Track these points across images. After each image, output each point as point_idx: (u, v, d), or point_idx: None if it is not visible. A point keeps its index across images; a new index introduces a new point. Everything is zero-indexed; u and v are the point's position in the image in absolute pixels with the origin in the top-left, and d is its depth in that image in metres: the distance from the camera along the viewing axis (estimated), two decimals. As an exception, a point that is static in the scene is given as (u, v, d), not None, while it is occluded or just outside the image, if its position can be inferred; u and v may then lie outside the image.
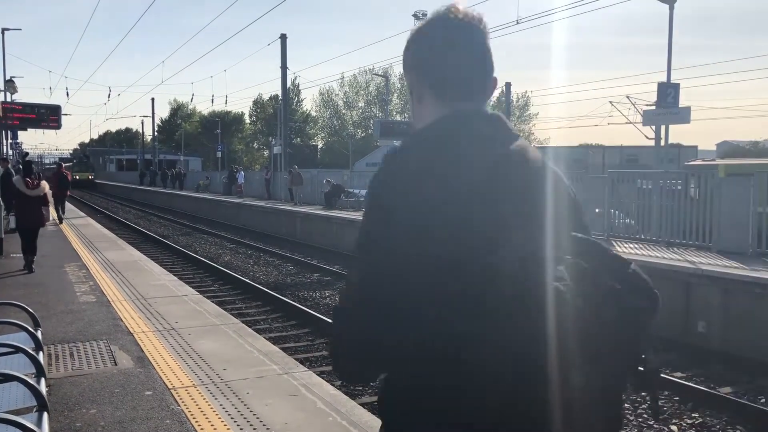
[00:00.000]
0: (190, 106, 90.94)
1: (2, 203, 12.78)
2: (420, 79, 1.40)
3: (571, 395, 1.09)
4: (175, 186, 49.10)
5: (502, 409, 1.13)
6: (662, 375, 7.88)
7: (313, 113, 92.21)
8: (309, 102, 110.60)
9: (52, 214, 12.18)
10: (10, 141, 27.37)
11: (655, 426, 6.50)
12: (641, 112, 23.84)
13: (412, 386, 1.21)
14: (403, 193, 1.22)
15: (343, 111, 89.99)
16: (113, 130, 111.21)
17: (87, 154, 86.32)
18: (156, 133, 73.83)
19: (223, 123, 73.79)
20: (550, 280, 1.12)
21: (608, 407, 1.20)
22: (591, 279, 1.16)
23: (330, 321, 1.52)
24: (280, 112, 41.88)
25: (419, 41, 1.40)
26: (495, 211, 1.20)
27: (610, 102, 28.84)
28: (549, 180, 1.31)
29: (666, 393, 7.34)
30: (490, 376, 1.11)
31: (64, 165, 23.89)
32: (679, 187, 12.83)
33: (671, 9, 20.53)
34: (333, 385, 5.83)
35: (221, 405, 4.48)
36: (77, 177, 66.18)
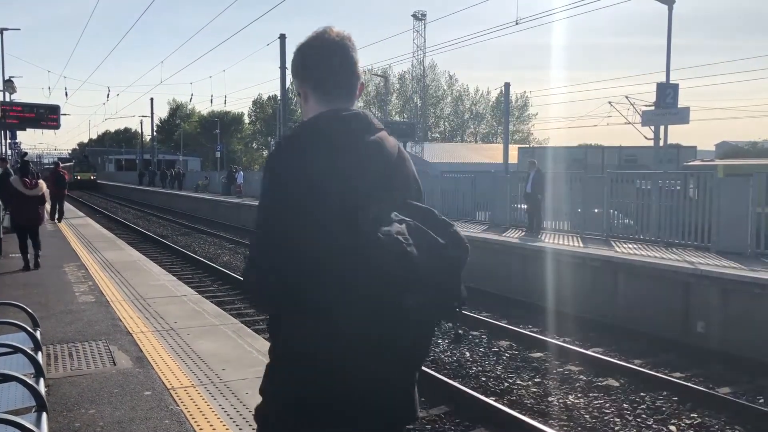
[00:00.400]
0: (189, 106, 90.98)
1: (1, 203, 12.77)
2: (303, 84, 1.84)
3: (404, 314, 1.55)
4: (174, 186, 49.08)
5: (364, 308, 1.55)
6: (656, 373, 7.90)
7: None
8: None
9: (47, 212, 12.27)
10: (9, 141, 27.35)
11: (653, 426, 6.51)
12: (640, 113, 23.86)
13: (301, 300, 1.63)
14: (291, 167, 1.65)
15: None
16: (112, 130, 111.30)
17: (86, 154, 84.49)
18: (155, 133, 73.67)
19: (222, 123, 73.71)
20: (394, 233, 1.55)
21: (428, 328, 1.70)
22: (423, 235, 1.58)
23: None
24: (279, 112, 41.89)
25: (302, 54, 1.83)
26: (359, 182, 1.64)
27: (609, 102, 28.90)
28: (398, 162, 1.79)
29: (665, 393, 7.35)
30: (359, 285, 1.55)
31: (61, 165, 23.81)
32: (678, 188, 12.84)
33: (670, 9, 20.54)
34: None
35: (220, 405, 4.48)
36: (78, 177, 64.52)
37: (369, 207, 1.62)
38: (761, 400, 7.33)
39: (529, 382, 7.78)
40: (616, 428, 6.46)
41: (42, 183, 11.14)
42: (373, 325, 1.58)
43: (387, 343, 1.61)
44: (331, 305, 1.60)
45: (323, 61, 1.80)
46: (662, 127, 21.80)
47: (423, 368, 7.55)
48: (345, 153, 1.67)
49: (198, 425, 4.13)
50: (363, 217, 1.60)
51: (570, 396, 7.31)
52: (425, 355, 1.80)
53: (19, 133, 28.13)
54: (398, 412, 1.75)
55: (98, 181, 70.12)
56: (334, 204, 1.61)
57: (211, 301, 8.84)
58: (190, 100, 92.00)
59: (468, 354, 8.95)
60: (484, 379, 7.90)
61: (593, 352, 8.98)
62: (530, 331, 10.11)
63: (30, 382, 3.35)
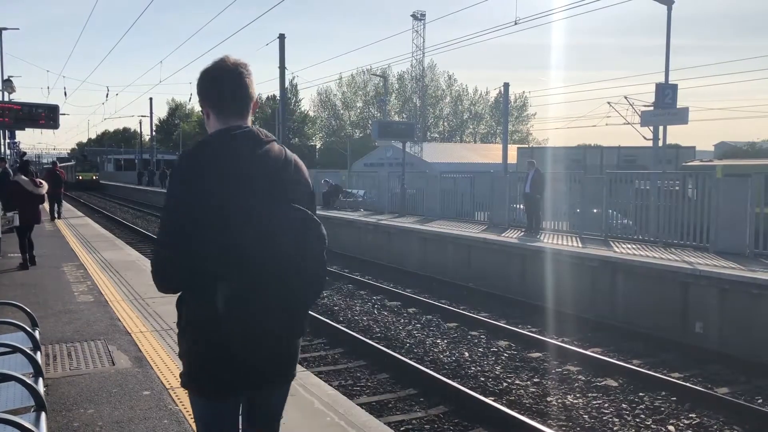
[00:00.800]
0: (189, 106, 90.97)
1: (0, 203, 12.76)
2: (205, 105, 2.26)
3: (283, 281, 2.06)
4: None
5: (253, 271, 2.02)
6: (655, 374, 7.91)
7: (311, 113, 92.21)
8: (307, 102, 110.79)
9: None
10: (7, 141, 27.31)
11: (652, 426, 6.52)
12: (639, 113, 23.85)
13: (202, 272, 2.07)
14: (190, 175, 2.09)
15: (341, 111, 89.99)
16: (111, 129, 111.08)
17: (85, 153, 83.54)
18: (154, 133, 73.61)
19: (222, 123, 73.63)
20: (275, 226, 2.04)
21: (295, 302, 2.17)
22: (299, 228, 2.08)
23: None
24: (278, 112, 41.87)
25: (203, 78, 2.23)
26: (249, 185, 2.08)
27: (608, 103, 28.83)
28: (283, 168, 2.19)
29: (663, 393, 7.35)
30: (250, 263, 2.02)
31: (59, 164, 23.81)
32: (677, 188, 12.85)
33: (669, 10, 20.55)
34: (331, 385, 5.84)
35: (219, 405, 4.48)
36: (80, 177, 63.42)
37: (250, 204, 2.06)
38: (759, 400, 7.34)
39: (528, 382, 7.79)
40: (615, 428, 6.46)
41: (44, 182, 11.20)
42: (254, 298, 2.06)
43: (269, 310, 2.09)
44: (221, 286, 2.05)
45: (220, 86, 2.21)
46: (661, 128, 21.81)
47: (421, 368, 7.56)
48: (232, 163, 2.10)
49: (197, 425, 4.13)
50: (246, 213, 2.05)
51: (569, 396, 7.32)
52: (300, 322, 2.23)
53: (17, 132, 28.08)
54: (278, 368, 2.28)
55: (104, 182, 68.76)
56: (222, 202, 2.05)
57: (210, 301, 8.83)
58: (189, 100, 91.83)
59: (467, 354, 8.96)
60: (482, 379, 7.90)
61: (592, 352, 8.99)
62: (529, 331, 10.11)
63: (29, 381, 3.35)
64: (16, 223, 11.24)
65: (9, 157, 25.04)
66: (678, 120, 20.71)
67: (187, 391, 2.29)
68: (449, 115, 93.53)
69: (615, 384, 7.71)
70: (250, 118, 2.26)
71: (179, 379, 2.30)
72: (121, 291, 8.67)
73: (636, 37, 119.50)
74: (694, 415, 6.76)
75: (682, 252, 11.69)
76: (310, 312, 2.38)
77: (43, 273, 10.20)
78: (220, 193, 2.05)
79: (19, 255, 10.90)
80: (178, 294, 2.25)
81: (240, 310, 2.05)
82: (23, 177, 11.00)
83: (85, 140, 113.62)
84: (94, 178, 66.20)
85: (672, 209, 12.63)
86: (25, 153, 28.68)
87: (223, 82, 2.20)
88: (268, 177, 2.14)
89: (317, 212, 2.25)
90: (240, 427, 2.37)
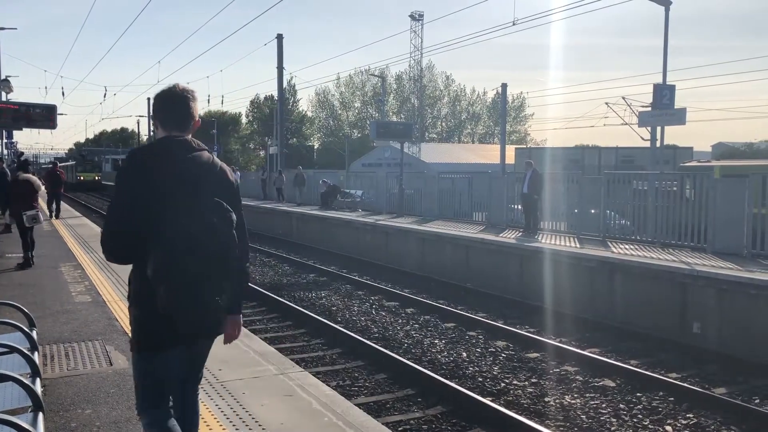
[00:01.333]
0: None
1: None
2: (155, 119, 2.90)
3: (200, 254, 2.62)
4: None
5: (177, 246, 2.58)
6: (652, 374, 7.92)
7: (310, 113, 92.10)
8: (305, 102, 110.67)
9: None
10: (5, 140, 27.26)
11: (650, 426, 6.52)
12: (637, 114, 23.88)
13: (142, 247, 2.64)
14: (138, 167, 2.72)
15: (340, 111, 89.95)
16: (109, 129, 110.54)
17: (83, 153, 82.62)
18: (152, 133, 73.49)
19: (220, 123, 73.49)
20: (195, 212, 2.64)
21: (215, 268, 2.69)
22: (213, 214, 2.68)
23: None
24: (276, 112, 41.85)
25: (157, 99, 2.86)
26: (179, 180, 2.67)
27: (606, 103, 28.85)
28: (208, 170, 2.80)
29: (661, 393, 7.36)
30: (172, 254, 2.58)
31: (59, 164, 23.79)
32: (675, 188, 12.86)
33: (667, 10, 20.59)
34: (329, 385, 5.84)
35: (217, 405, 4.48)
36: (81, 178, 61.67)
37: (181, 200, 2.66)
38: (757, 400, 7.35)
39: (526, 383, 7.79)
40: (613, 428, 6.47)
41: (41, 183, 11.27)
42: (182, 270, 2.60)
43: (196, 277, 2.64)
44: (155, 261, 2.62)
45: (169, 106, 2.86)
46: (659, 128, 21.84)
47: (419, 369, 7.55)
48: (166, 165, 2.72)
49: (194, 425, 4.13)
50: (177, 207, 2.64)
51: (566, 396, 7.32)
52: (218, 287, 2.73)
53: (15, 132, 28.04)
54: (210, 322, 2.80)
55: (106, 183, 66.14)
56: (155, 198, 2.64)
57: (208, 301, 8.82)
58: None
59: (465, 354, 8.96)
60: (480, 379, 7.91)
61: (590, 352, 9.00)
62: (527, 332, 10.12)
63: (26, 382, 3.34)
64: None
65: (6, 156, 25.00)
66: (676, 120, 20.74)
67: (132, 352, 2.90)
68: (447, 116, 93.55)
69: (613, 384, 7.72)
70: (190, 133, 2.88)
71: (135, 351, 2.88)
72: (118, 291, 8.65)
73: (634, 38, 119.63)
74: (691, 416, 6.77)
75: (679, 252, 11.71)
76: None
77: (40, 273, 10.18)
78: (156, 185, 2.67)
79: (17, 255, 10.87)
80: (138, 278, 2.77)
81: (168, 279, 2.60)
82: (32, 176, 11.04)
83: (82, 140, 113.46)
84: (96, 178, 63.81)
85: (670, 210, 12.64)
86: (22, 153, 28.62)
87: (171, 103, 2.86)
88: (193, 175, 2.74)
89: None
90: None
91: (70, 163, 69.41)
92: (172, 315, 2.64)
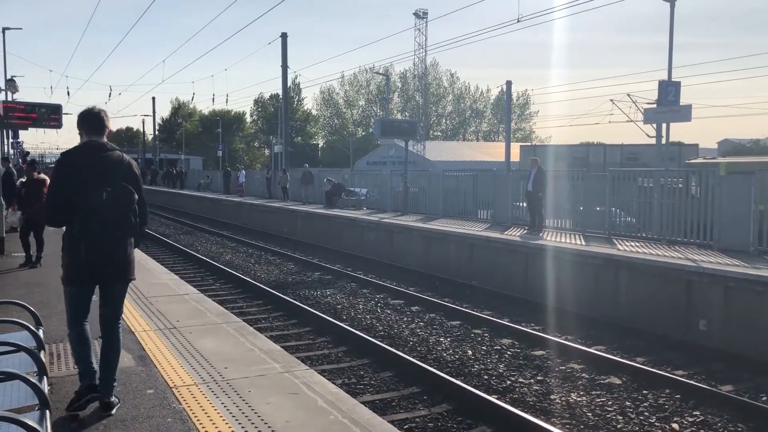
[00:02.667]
0: (191, 105, 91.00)
1: (3, 202, 12.78)
2: (80, 129, 4.33)
3: (109, 221, 4.14)
4: (176, 185, 49.12)
5: (93, 215, 4.08)
6: (659, 371, 7.89)
7: (314, 112, 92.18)
8: (310, 101, 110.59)
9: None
10: (11, 140, 27.35)
11: (656, 424, 6.51)
12: (642, 111, 23.81)
13: (67, 222, 4.19)
14: (66, 165, 4.18)
15: (344, 110, 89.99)
16: (114, 129, 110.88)
17: None
18: (157, 133, 73.63)
19: (224, 122, 73.63)
20: (107, 192, 4.08)
21: (119, 232, 4.24)
22: (119, 193, 4.13)
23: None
24: (280, 111, 41.87)
25: (82, 115, 4.29)
26: (91, 173, 4.10)
27: (611, 100, 28.81)
28: (117, 164, 4.21)
29: (667, 391, 7.35)
30: (89, 220, 4.08)
31: None
32: (680, 186, 12.82)
33: (672, 7, 20.51)
34: (334, 383, 5.84)
35: (223, 403, 4.48)
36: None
37: (95, 183, 4.04)
38: (764, 398, 7.33)
39: (532, 380, 7.78)
40: (619, 426, 6.46)
41: None
42: (94, 231, 4.08)
43: (104, 236, 4.12)
44: (78, 224, 4.09)
45: (90, 121, 4.30)
46: (664, 125, 21.77)
47: (425, 367, 7.55)
48: (86, 159, 4.14)
49: (201, 423, 4.14)
50: (91, 188, 4.03)
51: (572, 394, 7.31)
52: (125, 246, 4.31)
53: (21, 132, 28.14)
54: (118, 269, 4.32)
55: None
56: (78, 182, 4.05)
57: (214, 300, 8.85)
58: (192, 99, 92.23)
59: (470, 352, 8.95)
60: (486, 377, 7.90)
61: (595, 350, 8.98)
62: (532, 329, 10.11)
63: (33, 380, 3.34)
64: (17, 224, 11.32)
65: (12, 156, 25.08)
66: (681, 117, 20.67)
67: (63, 285, 4.36)
68: (452, 113, 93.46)
69: (619, 382, 7.70)
70: (105, 138, 4.32)
71: (65, 285, 4.40)
72: (124, 290, 8.67)
73: (639, 35, 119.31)
74: (698, 413, 6.75)
75: (685, 250, 11.67)
76: (142, 245, 4.71)
77: (46, 272, 10.21)
78: (79, 173, 4.09)
79: (23, 254, 10.91)
80: (68, 236, 4.22)
81: (86, 236, 4.11)
82: (44, 175, 11.12)
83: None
84: None
85: (675, 207, 12.60)
86: (28, 152, 28.73)
87: (92, 118, 4.31)
88: (105, 167, 4.15)
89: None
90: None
91: None
92: (89, 262, 4.14)
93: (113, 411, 4.30)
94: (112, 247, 4.17)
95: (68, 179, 4.07)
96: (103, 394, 4.25)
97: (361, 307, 11.85)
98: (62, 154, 4.23)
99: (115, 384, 4.40)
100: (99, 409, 4.27)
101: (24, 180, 12.51)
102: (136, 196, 4.19)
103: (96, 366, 4.32)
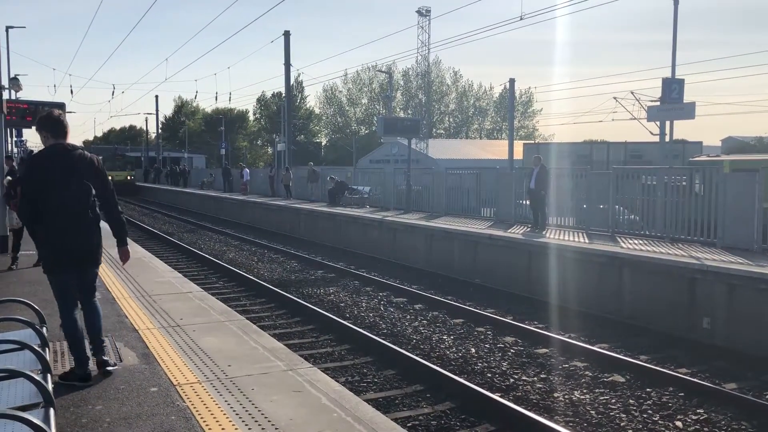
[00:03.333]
0: (194, 104, 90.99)
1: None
2: (42, 132, 4.83)
3: (74, 215, 4.75)
4: (180, 183, 49.15)
5: (60, 210, 4.68)
6: (662, 369, 7.88)
7: (317, 110, 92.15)
8: (313, 99, 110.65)
9: None
10: (14, 139, 27.40)
11: (659, 422, 6.50)
12: (645, 108, 23.78)
13: (38, 218, 4.72)
14: (37, 163, 4.79)
15: (347, 108, 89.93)
16: (117, 127, 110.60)
17: (116, 146, 75.63)
18: (160, 131, 73.55)
19: (227, 120, 73.64)
20: (71, 188, 4.69)
21: (82, 222, 4.80)
22: (82, 189, 4.79)
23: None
24: (283, 109, 41.88)
25: (45, 118, 4.84)
26: (60, 172, 4.67)
27: (615, 98, 28.73)
28: (80, 163, 4.75)
29: (671, 389, 7.33)
30: (57, 214, 4.67)
31: None
32: (684, 183, 12.79)
33: (676, 4, 20.46)
34: (338, 381, 5.85)
35: (226, 401, 4.49)
36: (110, 178, 54.25)
37: (62, 181, 4.62)
38: (767, 396, 7.31)
39: (535, 378, 7.78)
40: (622, 424, 6.45)
41: None
42: (63, 224, 4.66)
43: (70, 228, 4.69)
44: (47, 220, 4.64)
45: (52, 124, 4.78)
46: (668, 123, 21.74)
47: (428, 365, 7.55)
48: (52, 160, 4.66)
49: (204, 421, 4.14)
50: (59, 185, 4.62)
51: (576, 392, 7.30)
52: (90, 235, 4.83)
53: (24, 130, 28.19)
54: (87, 255, 4.89)
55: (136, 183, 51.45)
56: (49, 180, 4.62)
57: (217, 298, 8.86)
58: (195, 98, 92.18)
59: (473, 350, 8.95)
60: (489, 375, 7.90)
61: (599, 347, 8.97)
62: (535, 327, 10.10)
63: (37, 378, 3.35)
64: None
65: (17, 155, 25.12)
66: (685, 115, 20.64)
67: (48, 276, 4.84)
68: (454, 111, 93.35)
69: (622, 380, 7.69)
70: (67, 139, 4.81)
71: (51, 274, 4.83)
72: (128, 288, 8.69)
73: (643, 32, 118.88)
74: (701, 411, 6.74)
75: (689, 247, 11.64)
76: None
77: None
78: (47, 173, 4.63)
79: (28, 252, 10.92)
80: (44, 229, 4.72)
81: (55, 229, 4.64)
82: None
83: (91, 138, 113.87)
84: (129, 178, 51.91)
85: (679, 205, 12.57)
86: (32, 151, 28.76)
87: (57, 123, 4.81)
88: (69, 165, 4.67)
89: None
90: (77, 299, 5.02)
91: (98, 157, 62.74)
92: (66, 249, 4.68)
93: (111, 368, 5.03)
94: (82, 235, 4.73)
95: (39, 178, 4.63)
96: (95, 353, 5.00)
97: (364, 305, 11.85)
98: (32, 156, 4.91)
99: (104, 345, 5.15)
100: (98, 374, 4.96)
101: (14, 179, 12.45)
102: (94, 191, 4.77)
103: (89, 353, 4.96)
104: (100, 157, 5.10)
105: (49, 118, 4.77)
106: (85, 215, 4.71)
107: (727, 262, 9.94)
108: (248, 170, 39.22)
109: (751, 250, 10.99)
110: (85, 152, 4.81)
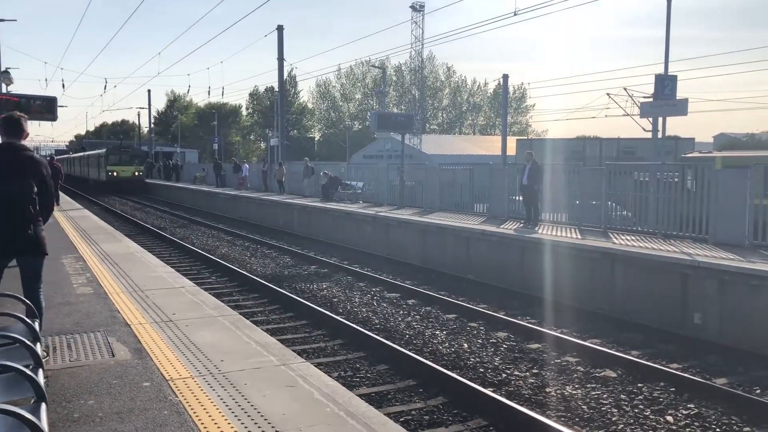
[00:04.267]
0: (187, 98, 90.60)
1: None
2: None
3: (17, 208, 4.98)
4: (172, 178, 48.94)
5: (6, 203, 4.93)
6: (653, 364, 7.93)
7: (310, 105, 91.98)
8: (306, 94, 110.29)
9: None
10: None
11: (650, 417, 6.54)
12: (638, 104, 23.83)
13: None
14: None
15: (340, 103, 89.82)
16: (109, 122, 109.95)
17: (84, 146, 78.57)
18: (152, 125, 73.27)
19: (220, 115, 73.35)
20: (15, 185, 4.95)
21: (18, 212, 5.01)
22: (25, 186, 4.99)
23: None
24: (276, 103, 41.77)
25: (1, 119, 5.29)
26: (8, 169, 4.95)
27: (608, 94, 28.73)
28: (27, 161, 5.06)
29: (662, 384, 7.38)
30: (3, 204, 4.92)
31: (56, 158, 23.83)
32: (676, 180, 12.84)
33: (669, 1, 20.51)
34: (330, 376, 5.86)
35: (219, 396, 4.49)
36: (114, 174, 45.23)
37: (9, 177, 4.91)
38: (758, 391, 7.37)
39: (527, 373, 7.81)
40: (614, 419, 6.49)
41: None
42: (7, 214, 4.91)
43: (13, 219, 4.94)
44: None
45: (9, 125, 5.17)
46: (660, 119, 21.81)
47: (421, 360, 7.57)
48: (3, 157, 4.97)
49: (197, 416, 4.14)
50: (6, 180, 4.89)
51: (567, 387, 7.34)
52: (23, 225, 4.97)
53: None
54: (26, 244, 5.06)
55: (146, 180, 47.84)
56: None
57: (210, 293, 8.84)
58: (188, 92, 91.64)
59: (466, 345, 8.98)
60: (482, 370, 7.93)
61: (591, 343, 9.01)
62: (528, 323, 10.13)
63: (29, 373, 3.34)
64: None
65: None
66: (677, 111, 20.72)
67: None
68: (448, 107, 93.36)
69: (614, 375, 7.73)
70: (22, 140, 5.18)
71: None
72: (120, 283, 8.67)
73: (636, 28, 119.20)
74: (692, 406, 6.79)
75: (681, 243, 11.70)
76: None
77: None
78: None
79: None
80: None
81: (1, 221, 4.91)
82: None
83: (83, 132, 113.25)
84: (137, 174, 46.83)
85: (671, 201, 12.63)
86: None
87: (12, 122, 5.16)
88: (17, 164, 4.97)
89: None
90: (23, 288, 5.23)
91: (98, 152, 51.63)
92: (4, 240, 4.96)
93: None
94: (19, 226, 4.99)
95: None
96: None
97: (357, 300, 11.86)
98: None
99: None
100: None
101: None
102: (36, 189, 5.05)
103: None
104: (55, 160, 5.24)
105: (8, 118, 5.21)
106: (27, 209, 4.97)
107: (719, 258, 10.00)
108: (247, 165, 39.05)
109: (742, 246, 11.06)
110: (34, 154, 5.30)
